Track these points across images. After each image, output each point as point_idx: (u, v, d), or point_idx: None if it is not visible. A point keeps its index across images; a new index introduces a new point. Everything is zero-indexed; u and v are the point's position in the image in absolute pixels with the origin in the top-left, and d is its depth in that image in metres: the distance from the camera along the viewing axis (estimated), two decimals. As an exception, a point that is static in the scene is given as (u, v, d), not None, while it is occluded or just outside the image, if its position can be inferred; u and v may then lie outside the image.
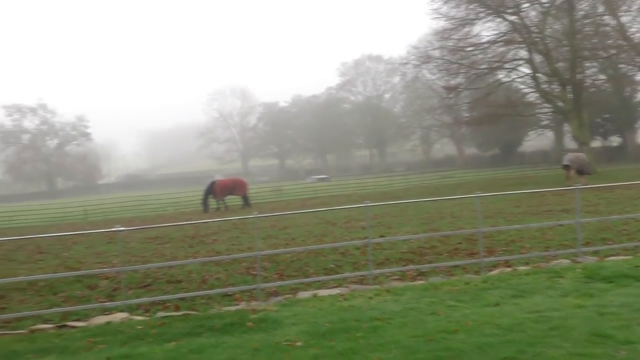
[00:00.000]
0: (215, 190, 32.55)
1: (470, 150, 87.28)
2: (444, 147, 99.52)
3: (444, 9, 41.94)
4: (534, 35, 41.62)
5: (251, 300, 9.03)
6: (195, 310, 8.55)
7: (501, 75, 47.10)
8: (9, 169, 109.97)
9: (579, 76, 42.10)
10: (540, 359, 5.33)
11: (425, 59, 47.63)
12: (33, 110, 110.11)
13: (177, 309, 8.78)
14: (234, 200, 34.86)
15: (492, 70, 44.79)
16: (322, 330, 6.67)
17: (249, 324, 7.18)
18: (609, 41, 42.17)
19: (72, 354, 6.55)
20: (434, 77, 60.01)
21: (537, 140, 77.54)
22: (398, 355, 5.67)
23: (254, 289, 9.48)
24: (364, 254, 11.65)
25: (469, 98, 50.88)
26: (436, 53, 48.14)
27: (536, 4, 41.64)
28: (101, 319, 8.22)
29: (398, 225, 17.42)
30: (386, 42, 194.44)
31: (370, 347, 5.95)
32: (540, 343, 5.70)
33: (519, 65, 44.66)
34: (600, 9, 41.75)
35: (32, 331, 7.88)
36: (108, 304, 9.17)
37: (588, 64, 45.32)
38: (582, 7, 41.54)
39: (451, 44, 43.40)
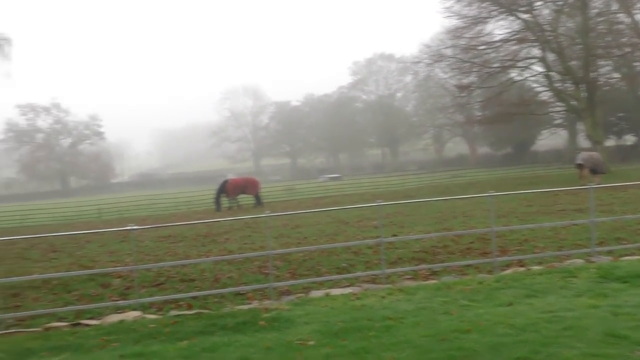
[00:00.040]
0: (228, 189, 32.72)
1: (483, 149, 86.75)
2: (456, 146, 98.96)
3: (456, 7, 41.92)
4: (547, 33, 41.30)
5: (263, 299, 9.04)
6: (207, 309, 8.56)
7: (514, 74, 46.75)
8: (23, 168, 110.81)
9: (592, 74, 41.77)
10: (554, 359, 5.29)
11: (437, 57, 47.50)
12: (47, 110, 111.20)
13: (190, 307, 8.81)
14: (246, 199, 34.98)
15: (505, 68, 44.52)
16: (335, 329, 6.66)
17: (262, 322, 7.19)
18: (623, 39, 41.91)
19: (85, 352, 6.60)
20: (446, 76, 59.67)
21: (550, 139, 76.88)
22: (411, 354, 5.66)
23: (266, 287, 9.49)
24: (376, 253, 11.62)
25: (482, 97, 50.61)
26: (448, 52, 47.93)
27: (549, 2, 41.29)
28: (114, 317, 8.28)
29: (410, 225, 17.34)
30: (398, 40, 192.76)
31: (382, 347, 5.94)
32: (554, 343, 5.66)
33: (532, 63, 44.34)
34: (614, 6, 41.41)
35: (47, 329, 7.95)
36: (121, 303, 9.21)
37: (602, 62, 44.87)
38: (596, 4, 41.16)
39: (463, 43, 43.22)
